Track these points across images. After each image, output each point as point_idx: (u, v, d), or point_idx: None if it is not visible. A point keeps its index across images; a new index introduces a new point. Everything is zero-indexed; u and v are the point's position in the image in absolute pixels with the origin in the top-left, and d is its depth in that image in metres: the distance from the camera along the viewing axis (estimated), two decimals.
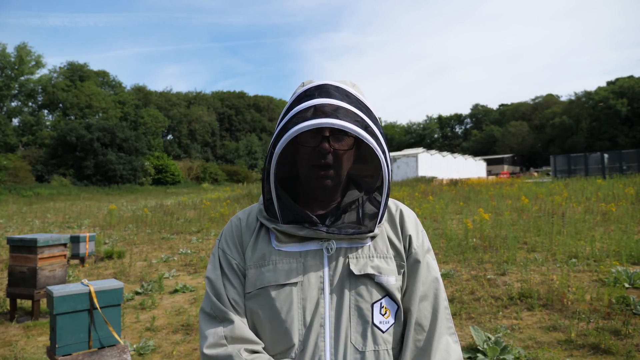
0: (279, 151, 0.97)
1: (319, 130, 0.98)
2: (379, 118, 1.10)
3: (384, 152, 0.99)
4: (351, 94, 1.02)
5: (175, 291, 6.47)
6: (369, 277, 1.00)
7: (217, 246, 1.11)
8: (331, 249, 1.01)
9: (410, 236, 1.08)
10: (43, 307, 5.70)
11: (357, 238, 1.02)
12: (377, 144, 0.97)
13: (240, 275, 1.04)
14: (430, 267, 1.08)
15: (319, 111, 0.95)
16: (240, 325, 0.98)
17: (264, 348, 0.98)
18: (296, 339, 0.96)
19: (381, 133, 1.02)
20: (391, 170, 1.03)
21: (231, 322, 0.98)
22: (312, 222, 1.01)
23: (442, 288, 1.08)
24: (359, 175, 1.10)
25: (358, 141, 1.04)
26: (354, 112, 0.97)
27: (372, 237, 1.05)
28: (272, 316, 0.98)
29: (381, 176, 1.01)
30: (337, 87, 1.02)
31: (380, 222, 1.05)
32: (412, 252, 1.07)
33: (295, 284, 0.99)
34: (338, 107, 0.96)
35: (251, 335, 0.98)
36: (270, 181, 1.01)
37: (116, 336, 3.39)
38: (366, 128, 0.96)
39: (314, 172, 1.00)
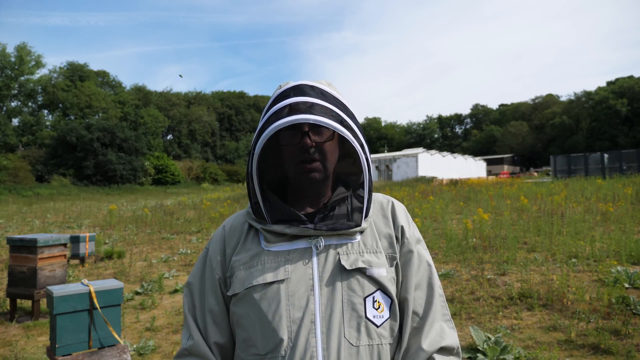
0: (258, 151, 1.00)
1: (298, 128, 1.01)
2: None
3: (362, 146, 1.02)
4: (326, 92, 1.05)
5: (175, 291, 6.47)
6: (360, 271, 1.01)
7: (202, 254, 1.15)
8: (319, 245, 1.02)
9: (402, 227, 1.10)
10: (43, 307, 5.71)
11: (345, 233, 1.04)
12: (353, 136, 1.00)
13: (218, 282, 1.08)
14: (421, 255, 1.10)
15: (294, 109, 0.98)
16: (200, 342, 1.04)
17: (256, 347, 0.99)
18: (285, 336, 0.96)
19: (358, 128, 1.04)
20: (371, 165, 1.06)
21: (193, 339, 1.05)
22: (300, 220, 1.03)
23: (436, 275, 1.10)
24: (345, 174, 1.12)
25: (341, 139, 1.07)
26: (328, 108, 1.00)
27: (361, 232, 1.07)
28: (260, 315, 0.99)
29: (361, 170, 1.03)
30: (313, 87, 1.04)
31: (366, 217, 1.06)
32: (405, 242, 1.09)
33: (282, 281, 0.99)
34: (313, 104, 0.99)
35: (208, 353, 1.04)
36: (254, 182, 1.04)
37: (116, 336, 3.39)
38: (342, 122, 0.99)
39: (300, 167, 1.03)
